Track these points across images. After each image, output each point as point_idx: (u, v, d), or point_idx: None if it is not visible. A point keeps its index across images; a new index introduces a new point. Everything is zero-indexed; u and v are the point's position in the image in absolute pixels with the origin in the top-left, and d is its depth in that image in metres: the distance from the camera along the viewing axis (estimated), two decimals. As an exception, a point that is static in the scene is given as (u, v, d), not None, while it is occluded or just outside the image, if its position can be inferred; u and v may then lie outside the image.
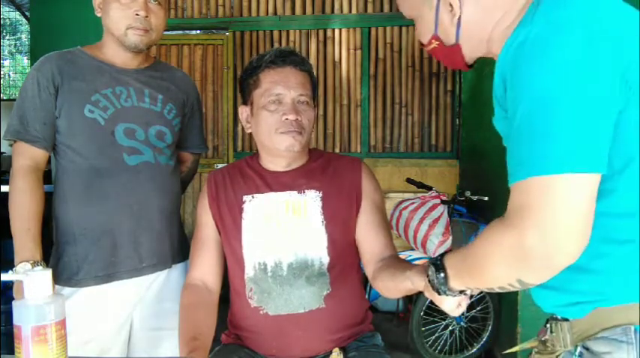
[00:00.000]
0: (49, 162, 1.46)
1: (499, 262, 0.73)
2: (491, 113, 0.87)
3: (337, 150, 4.21)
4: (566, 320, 0.83)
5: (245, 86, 1.35)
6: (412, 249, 2.96)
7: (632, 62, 0.71)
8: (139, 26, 1.39)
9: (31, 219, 1.34)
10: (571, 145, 0.67)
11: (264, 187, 1.34)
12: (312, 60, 4.14)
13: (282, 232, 1.30)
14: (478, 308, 2.87)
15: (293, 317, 1.28)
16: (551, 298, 0.84)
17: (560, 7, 0.73)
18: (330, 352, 1.26)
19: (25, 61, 10.68)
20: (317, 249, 1.30)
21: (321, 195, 1.32)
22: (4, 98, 8.65)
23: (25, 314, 0.80)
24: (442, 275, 0.87)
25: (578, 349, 0.81)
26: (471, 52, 0.92)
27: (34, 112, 1.38)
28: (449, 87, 4.11)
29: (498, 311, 2.81)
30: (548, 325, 0.87)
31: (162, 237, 1.48)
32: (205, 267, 1.35)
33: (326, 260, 1.29)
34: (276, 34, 4.25)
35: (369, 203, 1.34)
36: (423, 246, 2.81)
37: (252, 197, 1.33)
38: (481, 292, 2.72)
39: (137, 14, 1.38)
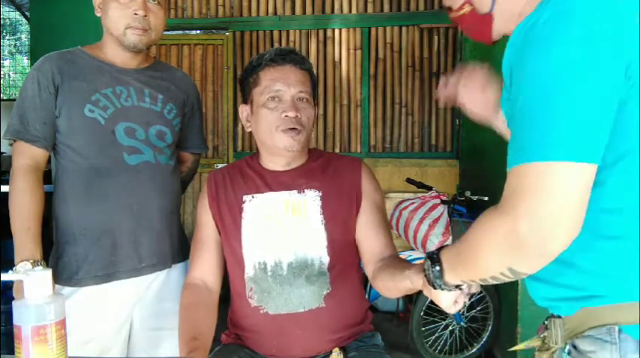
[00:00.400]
0: (49, 162, 1.46)
1: (492, 249, 0.73)
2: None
3: (337, 150, 4.21)
4: (559, 317, 0.83)
5: (245, 85, 1.35)
6: (412, 249, 2.96)
7: (634, 56, 0.70)
8: (138, 26, 1.39)
9: (31, 219, 1.34)
10: (571, 134, 0.67)
11: (264, 187, 1.34)
12: (312, 60, 4.14)
13: (282, 232, 1.30)
14: (478, 308, 2.87)
15: (293, 317, 1.28)
16: (541, 290, 0.84)
17: None
18: (330, 352, 1.27)
19: (25, 61, 10.68)
20: (317, 249, 1.30)
21: (320, 194, 1.32)
22: (4, 98, 8.66)
23: (25, 314, 0.79)
24: (437, 268, 0.87)
25: (567, 347, 0.81)
26: (501, 24, 0.88)
27: (34, 112, 1.38)
28: (449, 87, 4.11)
29: (498, 311, 2.80)
30: (546, 322, 0.87)
31: (162, 236, 1.48)
32: (205, 266, 1.35)
33: (326, 259, 1.30)
34: (276, 34, 4.25)
35: (369, 203, 1.34)
36: (423, 246, 2.80)
37: (252, 197, 1.33)
38: (481, 292, 2.73)
39: (136, 14, 1.38)
